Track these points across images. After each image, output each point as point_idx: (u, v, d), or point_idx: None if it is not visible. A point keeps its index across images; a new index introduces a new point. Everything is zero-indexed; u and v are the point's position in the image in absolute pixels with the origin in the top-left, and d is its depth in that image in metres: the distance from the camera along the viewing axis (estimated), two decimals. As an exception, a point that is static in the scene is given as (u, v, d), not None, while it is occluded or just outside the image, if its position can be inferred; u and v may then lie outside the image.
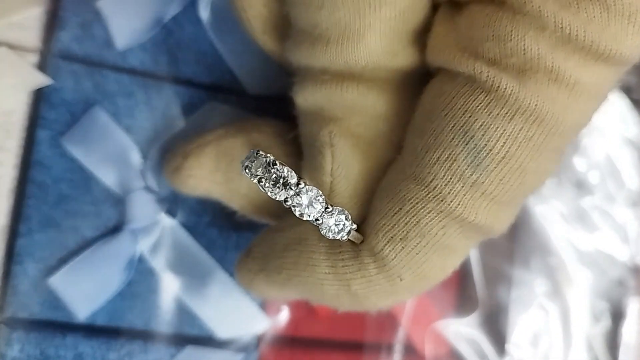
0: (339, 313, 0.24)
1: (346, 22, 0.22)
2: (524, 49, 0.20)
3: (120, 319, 0.29)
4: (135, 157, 0.29)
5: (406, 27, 0.23)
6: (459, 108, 0.21)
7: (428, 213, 0.21)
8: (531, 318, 0.35)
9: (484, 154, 0.21)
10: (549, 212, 0.36)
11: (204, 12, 0.30)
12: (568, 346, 0.36)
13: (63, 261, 0.28)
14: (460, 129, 0.21)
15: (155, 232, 0.29)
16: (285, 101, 0.31)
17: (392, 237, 0.22)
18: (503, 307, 0.35)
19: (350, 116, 0.24)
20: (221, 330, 0.30)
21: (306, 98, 0.24)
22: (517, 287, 0.35)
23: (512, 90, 0.20)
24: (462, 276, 0.35)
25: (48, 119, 0.28)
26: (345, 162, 0.24)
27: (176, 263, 0.30)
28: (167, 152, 0.28)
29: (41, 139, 0.28)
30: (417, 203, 0.21)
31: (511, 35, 0.20)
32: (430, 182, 0.21)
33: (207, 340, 0.30)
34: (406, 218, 0.21)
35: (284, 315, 0.32)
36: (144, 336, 0.30)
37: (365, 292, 0.23)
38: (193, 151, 0.26)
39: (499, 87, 0.20)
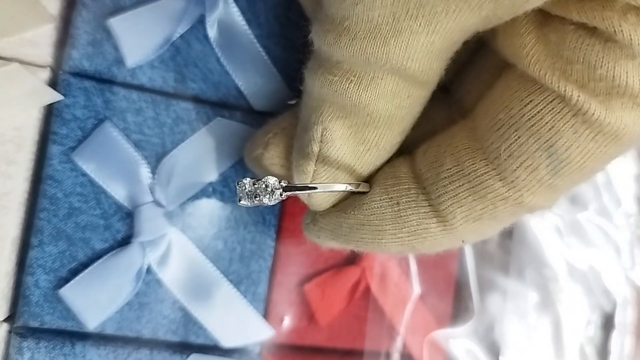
0: (340, 323, 0.25)
1: (378, 23, 0.22)
2: (614, 77, 0.21)
3: (128, 329, 0.30)
4: (144, 172, 0.30)
5: (435, 47, 0.23)
6: (546, 123, 0.22)
7: (504, 205, 0.24)
8: (525, 329, 0.36)
9: (564, 165, 0.23)
10: (544, 225, 0.36)
11: (211, 31, 0.30)
12: (561, 357, 0.36)
13: (73, 272, 0.29)
14: (545, 143, 0.23)
15: (162, 245, 0.30)
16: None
17: (466, 216, 0.24)
18: (498, 317, 0.36)
19: (354, 113, 0.24)
20: (225, 339, 0.31)
21: (314, 84, 0.24)
22: (512, 298, 0.36)
23: (599, 115, 0.22)
24: (459, 287, 0.36)
25: (59, 134, 0.29)
26: (337, 140, 0.25)
27: (182, 274, 0.31)
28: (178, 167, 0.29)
29: (52, 154, 0.29)
30: (495, 197, 0.24)
31: (602, 62, 0.21)
32: (511, 182, 0.23)
33: (211, 349, 0.31)
34: (483, 206, 0.24)
35: (286, 325, 0.33)
36: (151, 345, 0.30)
37: (428, 249, 0.26)
38: (271, 141, 0.28)
39: (587, 111, 0.22)
